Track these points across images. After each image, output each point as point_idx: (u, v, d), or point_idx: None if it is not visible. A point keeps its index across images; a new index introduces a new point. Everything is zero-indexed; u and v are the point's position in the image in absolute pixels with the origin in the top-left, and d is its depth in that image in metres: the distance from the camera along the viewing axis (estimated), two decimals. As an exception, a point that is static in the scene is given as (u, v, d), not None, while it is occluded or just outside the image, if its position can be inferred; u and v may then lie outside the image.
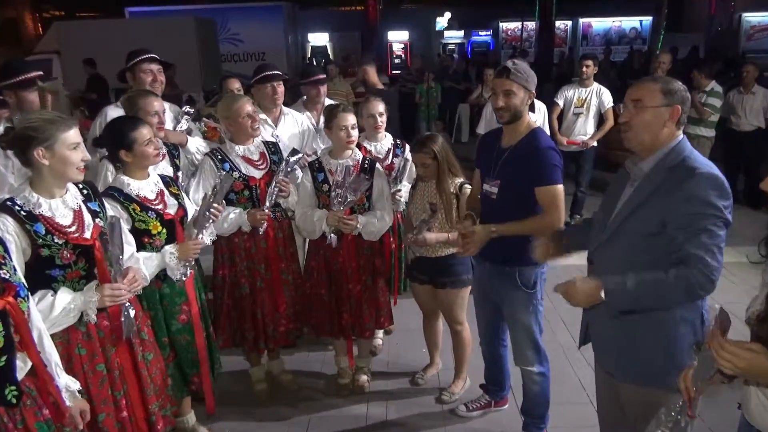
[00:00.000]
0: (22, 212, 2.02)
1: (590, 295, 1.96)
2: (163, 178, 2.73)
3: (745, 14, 20.45)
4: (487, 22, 22.25)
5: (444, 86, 10.22)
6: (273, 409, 3.41)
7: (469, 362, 3.48)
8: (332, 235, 3.09)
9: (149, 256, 2.51)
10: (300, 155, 3.13)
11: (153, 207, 2.58)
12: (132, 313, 2.23)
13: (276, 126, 3.75)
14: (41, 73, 3.08)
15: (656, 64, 6.35)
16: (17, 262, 1.95)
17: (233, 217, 3.02)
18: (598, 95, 6.08)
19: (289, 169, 3.04)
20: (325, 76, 4.38)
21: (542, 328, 2.87)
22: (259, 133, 3.18)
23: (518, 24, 20.31)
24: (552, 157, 2.58)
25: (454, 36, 22.15)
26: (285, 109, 3.87)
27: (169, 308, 2.72)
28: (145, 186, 2.59)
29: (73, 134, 2.07)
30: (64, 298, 2.06)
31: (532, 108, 2.70)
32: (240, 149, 3.13)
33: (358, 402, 3.45)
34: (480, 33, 22.38)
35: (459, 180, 3.13)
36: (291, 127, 3.80)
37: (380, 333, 4.00)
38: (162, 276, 2.65)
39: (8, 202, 2.02)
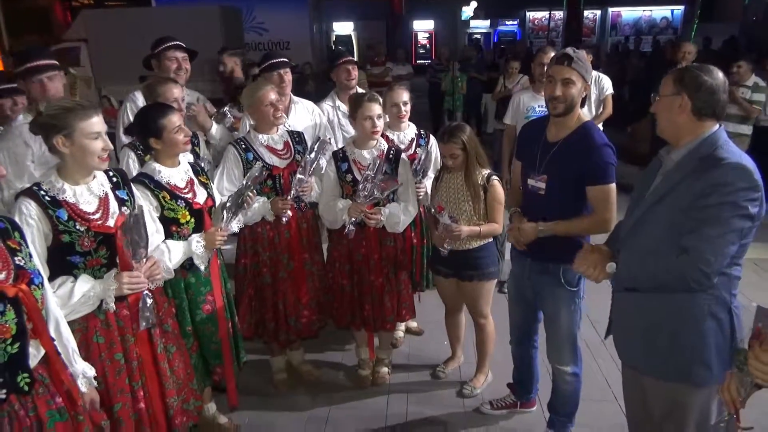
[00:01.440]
0: (47, 197, 2.03)
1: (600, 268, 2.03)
2: (193, 166, 2.71)
3: (782, 3, 19.81)
4: (514, 11, 21.95)
5: (469, 76, 10.09)
6: (292, 399, 3.40)
7: (492, 357, 3.43)
8: (351, 226, 3.05)
9: (175, 244, 2.50)
10: (324, 141, 3.07)
11: (182, 195, 2.56)
12: (149, 302, 2.21)
13: (287, 115, 3.71)
14: (52, 61, 3.05)
15: (680, 54, 6.05)
16: (38, 247, 1.97)
17: (257, 206, 3.00)
18: (597, 83, 5.76)
19: (312, 159, 3.00)
20: (354, 58, 4.29)
21: (580, 328, 2.80)
22: (282, 121, 3.14)
23: (545, 13, 19.98)
24: (608, 154, 2.47)
25: (480, 25, 21.91)
26: (295, 98, 3.82)
27: (194, 298, 2.71)
28: (176, 174, 2.58)
29: (93, 123, 2.05)
30: (83, 285, 2.05)
31: (583, 102, 2.59)
32: (264, 138, 3.10)
33: (378, 394, 3.42)
34: (506, 22, 22.10)
35: (486, 171, 3.06)
36: (302, 116, 3.75)
37: (402, 326, 3.96)
38: (187, 265, 2.64)
39: (34, 187, 2.05)
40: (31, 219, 1.98)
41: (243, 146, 3.07)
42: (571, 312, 2.70)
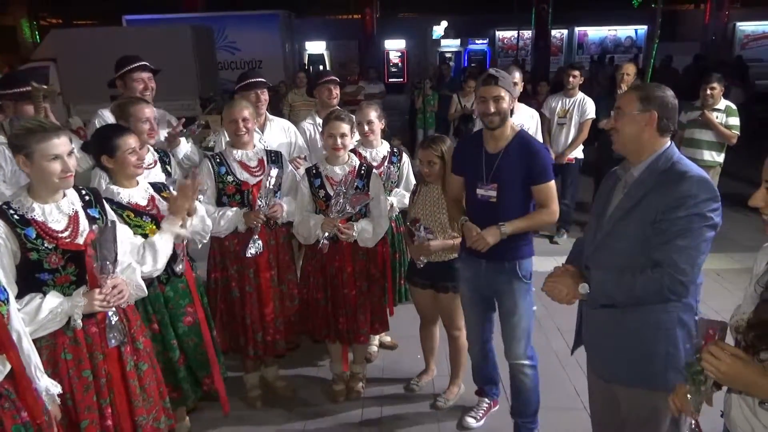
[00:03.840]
0: (15, 216, 2.05)
1: (571, 292, 2.06)
2: (154, 185, 2.73)
3: (739, 23, 20.65)
4: (484, 30, 22.38)
5: (441, 95, 10.26)
6: (267, 415, 3.40)
7: (465, 369, 3.48)
8: (324, 241, 3.10)
9: (159, 238, 2.51)
10: (276, 172, 3.10)
11: (147, 212, 2.58)
12: (114, 320, 2.21)
13: (262, 132, 3.77)
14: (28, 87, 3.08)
15: (619, 76, 5.81)
16: (6, 264, 1.98)
17: (230, 215, 3.06)
18: (580, 106, 5.88)
19: (269, 189, 3.06)
20: (335, 77, 4.36)
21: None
22: (248, 140, 3.18)
23: (514, 33, 20.43)
24: (546, 156, 2.77)
25: (451, 44, 22.25)
26: (270, 116, 3.89)
27: (174, 311, 2.74)
28: (136, 193, 2.60)
29: (52, 145, 2.05)
30: (51, 301, 2.06)
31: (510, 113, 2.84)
32: (238, 154, 3.16)
33: (352, 408, 3.44)
34: (476, 41, 22.50)
35: None
36: (277, 133, 3.82)
37: (375, 340, 4.00)
38: (164, 279, 2.68)
39: (3, 206, 2.07)
40: None
41: (217, 160, 3.13)
42: (527, 303, 2.88)
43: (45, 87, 3.10)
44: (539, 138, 4.80)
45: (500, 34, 22.64)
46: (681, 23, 21.50)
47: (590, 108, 5.85)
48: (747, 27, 20.84)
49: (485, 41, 22.60)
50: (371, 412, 3.40)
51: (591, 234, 2.18)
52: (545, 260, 5.59)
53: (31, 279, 2.06)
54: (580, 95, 5.95)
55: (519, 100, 4.81)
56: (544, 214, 2.77)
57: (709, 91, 5.38)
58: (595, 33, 22.82)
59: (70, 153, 2.12)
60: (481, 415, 3.27)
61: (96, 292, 2.11)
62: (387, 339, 4.10)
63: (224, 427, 3.28)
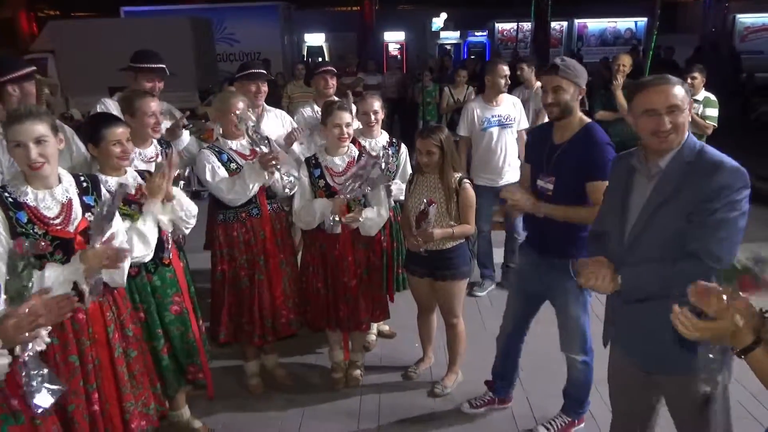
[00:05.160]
0: (9, 199, 2.10)
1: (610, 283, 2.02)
2: (140, 173, 2.73)
3: (739, 15, 20.59)
4: (483, 22, 22.33)
5: (442, 87, 10.23)
6: (266, 403, 3.44)
7: (463, 357, 3.52)
8: (333, 220, 3.13)
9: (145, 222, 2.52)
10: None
11: (135, 201, 2.59)
12: (102, 279, 2.21)
13: (260, 122, 3.80)
14: (32, 68, 3.07)
15: (615, 67, 5.77)
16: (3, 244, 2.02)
17: (247, 169, 3.05)
18: (535, 96, 5.73)
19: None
20: (332, 68, 4.40)
21: (590, 318, 2.91)
22: (242, 134, 3.19)
23: (514, 25, 20.38)
24: (608, 152, 2.60)
25: (450, 36, 22.21)
26: (267, 106, 3.93)
27: (161, 300, 2.76)
28: (123, 182, 2.60)
29: (14, 132, 2.06)
30: (52, 271, 2.07)
31: (582, 103, 2.73)
32: (233, 144, 3.18)
33: (351, 396, 3.48)
34: (476, 33, 22.45)
35: (458, 174, 3.17)
36: (273, 123, 3.87)
37: (374, 329, 4.04)
38: (152, 268, 2.71)
39: (0, 188, 2.11)
40: None
41: (216, 149, 3.16)
42: (579, 303, 2.83)
43: (50, 80, 3.12)
44: (525, 124, 4.81)
45: (500, 26, 22.57)
46: (681, 15, 21.47)
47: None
48: (747, 19, 20.79)
49: (485, 33, 22.55)
50: (369, 400, 3.44)
51: (617, 228, 2.12)
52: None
53: None
54: (537, 84, 5.73)
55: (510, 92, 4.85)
56: (589, 213, 2.56)
57: (690, 81, 5.31)
58: (594, 25, 22.77)
59: (40, 140, 2.09)
60: (479, 404, 3.30)
61: (89, 249, 2.11)
62: (385, 328, 4.14)
63: (224, 413, 3.32)
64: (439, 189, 3.15)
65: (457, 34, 22.20)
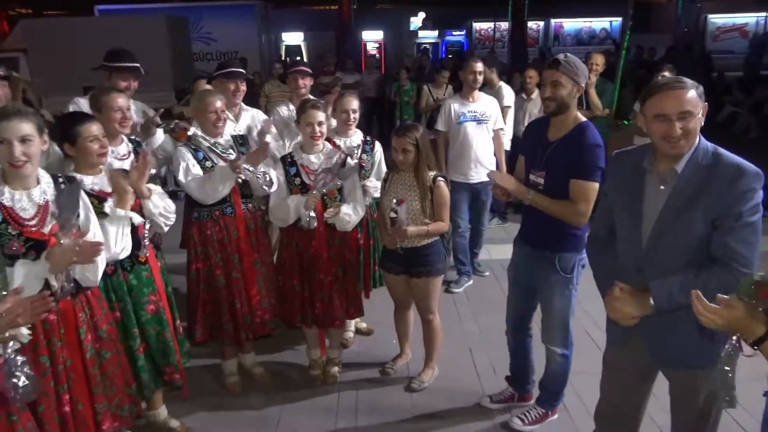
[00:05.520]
0: None
1: (640, 310, 2.01)
2: (123, 172, 2.72)
3: (711, 16, 21.04)
4: (461, 22, 22.48)
5: (420, 86, 10.27)
6: (244, 401, 3.45)
7: (440, 352, 3.57)
8: (309, 215, 3.16)
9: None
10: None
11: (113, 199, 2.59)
12: (72, 276, 2.21)
13: (237, 121, 3.81)
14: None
15: (590, 65, 5.77)
16: None
17: (216, 170, 3.08)
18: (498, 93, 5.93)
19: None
20: (306, 68, 4.43)
21: (574, 312, 2.97)
22: (221, 132, 3.21)
23: (491, 24, 20.56)
24: (595, 154, 2.63)
25: (428, 36, 22.31)
26: (244, 105, 3.95)
27: (137, 299, 2.75)
28: (100, 180, 2.60)
29: (2, 128, 2.06)
30: (21, 268, 2.07)
31: (580, 102, 2.77)
32: (211, 142, 3.19)
33: (329, 392, 3.51)
34: (454, 33, 22.58)
35: (433, 173, 3.22)
36: (249, 122, 3.90)
37: (351, 326, 4.07)
38: (128, 267, 2.70)
39: None
40: None
41: (193, 147, 3.16)
42: (564, 297, 2.88)
43: (27, 79, 3.10)
44: (501, 124, 4.92)
45: (477, 25, 22.75)
46: (654, 15, 21.84)
47: (507, 94, 5.83)
48: (718, 19, 21.25)
49: (462, 32, 22.70)
50: (347, 396, 3.47)
51: (632, 232, 2.12)
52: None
53: None
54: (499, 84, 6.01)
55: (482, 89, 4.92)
56: (568, 208, 2.66)
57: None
58: (570, 25, 23.06)
59: (25, 139, 2.09)
60: (500, 399, 3.34)
61: (56, 246, 2.10)
62: (363, 325, 4.18)
63: (200, 412, 3.32)
64: (414, 187, 3.19)
65: (435, 33, 22.30)
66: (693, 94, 1.93)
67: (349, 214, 3.27)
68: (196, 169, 3.10)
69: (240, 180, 3.10)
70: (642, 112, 2.05)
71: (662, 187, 2.04)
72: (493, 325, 4.24)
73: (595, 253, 2.39)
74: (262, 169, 3.13)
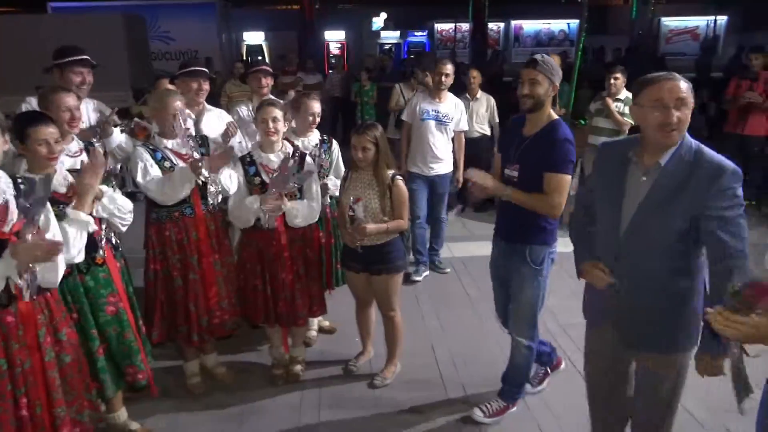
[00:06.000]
0: None
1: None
2: (73, 172, 2.68)
3: (663, 19, 21.72)
4: (423, 22, 22.63)
5: (381, 87, 10.32)
6: (207, 402, 3.43)
7: (401, 348, 3.62)
8: (267, 215, 3.18)
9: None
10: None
11: (67, 200, 2.55)
12: (37, 274, 2.20)
13: (200, 120, 3.79)
14: None
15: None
16: None
17: (177, 171, 3.08)
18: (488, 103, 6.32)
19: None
20: (267, 67, 4.45)
21: (543, 305, 3.06)
22: (177, 134, 3.17)
23: (452, 25, 20.77)
24: (566, 149, 2.78)
25: (391, 36, 22.38)
26: (208, 105, 3.94)
27: (95, 300, 2.72)
28: (54, 181, 2.53)
29: None
30: None
31: (554, 102, 2.94)
32: (169, 143, 3.17)
33: (292, 391, 3.52)
34: (416, 34, 22.72)
35: (391, 171, 3.28)
36: (213, 122, 3.87)
37: (315, 325, 4.09)
38: (84, 268, 2.67)
39: None
40: None
41: (151, 147, 3.14)
42: (533, 288, 2.97)
43: None
44: (464, 126, 5.11)
45: (439, 26, 22.93)
46: (610, 17, 22.43)
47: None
48: (671, 22, 21.95)
49: (424, 33, 22.85)
50: (310, 395, 3.49)
51: (610, 221, 2.21)
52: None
53: None
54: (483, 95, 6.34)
55: (452, 90, 5.04)
56: (542, 201, 2.79)
57: (612, 81, 5.69)
58: (530, 26, 23.47)
59: None
60: (537, 381, 3.44)
61: (20, 242, 2.08)
62: (326, 324, 4.20)
63: (162, 414, 3.30)
64: (374, 185, 3.24)
65: (397, 33, 22.39)
66: (686, 86, 2.04)
67: (297, 208, 3.28)
68: (155, 170, 3.09)
69: (200, 182, 3.10)
70: (637, 102, 2.13)
71: (644, 179, 2.13)
72: (454, 320, 4.36)
73: (575, 235, 2.49)
74: (221, 177, 3.13)
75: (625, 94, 5.70)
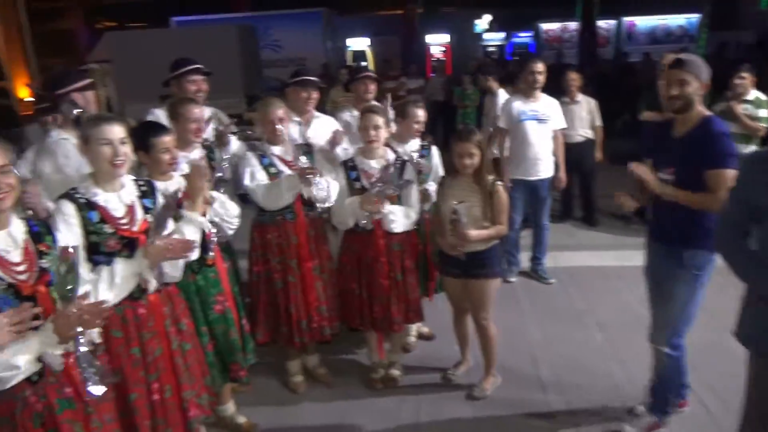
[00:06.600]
0: (81, 200, 2.25)
1: None
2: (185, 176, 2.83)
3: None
4: (528, 23, 22.09)
5: (482, 88, 10.14)
6: (307, 401, 3.52)
7: (496, 359, 3.52)
8: (365, 221, 3.21)
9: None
10: (305, 159, 3.17)
11: (179, 205, 2.66)
12: (162, 271, 2.40)
13: (308, 128, 3.88)
14: (87, 81, 3.23)
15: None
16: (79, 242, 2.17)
17: (284, 179, 3.17)
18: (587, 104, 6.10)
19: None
20: (373, 74, 4.46)
21: (696, 313, 2.86)
22: (282, 139, 3.28)
23: (559, 25, 20.11)
24: (725, 143, 2.66)
25: (494, 38, 22.07)
26: (316, 113, 4.00)
27: (205, 299, 2.88)
28: (171, 185, 2.72)
29: (103, 130, 2.25)
30: (121, 266, 2.23)
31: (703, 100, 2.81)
32: (275, 149, 3.28)
33: (390, 395, 3.53)
34: (520, 35, 22.24)
35: (491, 177, 3.23)
36: (321, 129, 3.93)
37: (413, 331, 4.08)
38: (196, 268, 2.83)
39: (71, 191, 2.28)
40: (71, 218, 2.19)
41: (259, 153, 3.27)
42: (687, 295, 2.80)
43: (104, 67, 3.23)
44: (562, 124, 4.98)
45: (544, 26, 22.28)
46: (737, 11, 20.65)
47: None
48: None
49: (530, 34, 22.30)
50: (408, 401, 3.48)
51: None
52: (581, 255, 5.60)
53: (90, 259, 2.23)
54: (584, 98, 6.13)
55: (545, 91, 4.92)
56: (708, 198, 2.62)
57: (738, 80, 5.11)
58: (644, 22, 22.18)
59: (123, 141, 2.28)
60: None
61: (150, 245, 2.27)
62: (425, 330, 4.17)
63: (266, 410, 3.42)
64: (475, 191, 3.19)
65: (502, 35, 22.03)
66: None
67: (394, 213, 3.28)
68: (261, 175, 3.21)
69: (304, 191, 3.18)
70: None
71: None
72: (558, 334, 4.16)
73: (735, 256, 2.21)
74: (320, 188, 3.17)
75: (755, 94, 5.13)
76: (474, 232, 3.11)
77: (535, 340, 4.12)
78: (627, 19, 21.95)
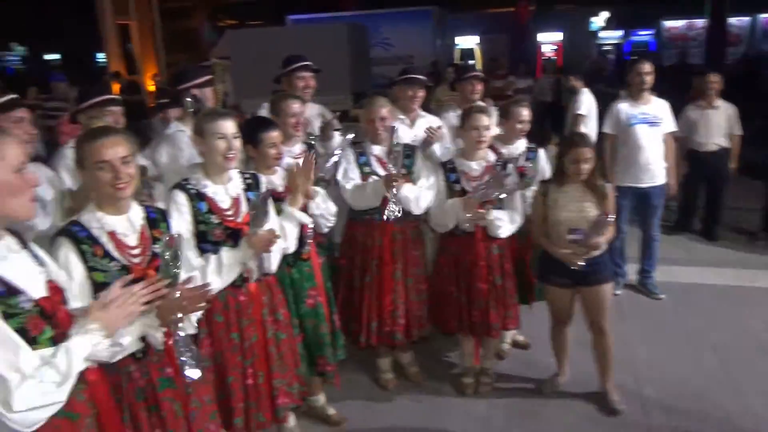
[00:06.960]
0: (192, 190, 2.40)
1: None
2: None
3: None
4: (649, 20, 20.77)
5: (596, 90, 9.67)
6: (396, 400, 3.53)
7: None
8: (466, 224, 3.18)
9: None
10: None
11: (282, 198, 2.80)
12: (263, 261, 2.52)
13: (413, 126, 3.87)
14: (207, 77, 3.40)
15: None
16: (189, 230, 2.34)
17: (374, 183, 3.21)
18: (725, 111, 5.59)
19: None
20: (481, 73, 4.38)
21: None
22: (382, 140, 3.28)
23: (684, 22, 18.73)
24: None
25: (611, 36, 20.99)
26: (421, 112, 3.98)
27: (298, 291, 2.96)
28: (275, 179, 2.85)
29: (218, 125, 2.39)
30: (227, 253, 2.37)
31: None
32: (376, 149, 3.31)
33: (480, 402, 3.46)
34: (639, 32, 20.98)
35: (601, 181, 3.18)
36: (424, 129, 3.91)
37: (508, 338, 3.97)
38: (291, 262, 2.91)
39: (183, 182, 2.43)
40: (183, 207, 2.34)
41: (359, 151, 3.33)
42: None
43: (224, 62, 3.42)
44: (673, 127, 4.69)
45: (668, 23, 20.84)
46: None
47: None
48: None
49: (650, 32, 20.98)
50: (498, 407, 3.40)
51: None
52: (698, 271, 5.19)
53: (196, 248, 2.38)
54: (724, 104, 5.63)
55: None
56: None
57: None
58: (783, 20, 20.15)
59: (236, 136, 2.40)
60: None
61: (252, 236, 2.37)
62: (520, 338, 4.05)
63: (355, 404, 3.46)
64: (587, 196, 3.12)
65: (619, 33, 20.90)
66: None
67: (501, 219, 3.21)
68: (354, 173, 3.27)
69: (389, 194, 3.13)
70: None
71: None
72: (665, 354, 3.88)
73: None
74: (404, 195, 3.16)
75: None
76: (602, 239, 3.06)
77: (640, 356, 3.87)
78: (763, 16, 20.03)
